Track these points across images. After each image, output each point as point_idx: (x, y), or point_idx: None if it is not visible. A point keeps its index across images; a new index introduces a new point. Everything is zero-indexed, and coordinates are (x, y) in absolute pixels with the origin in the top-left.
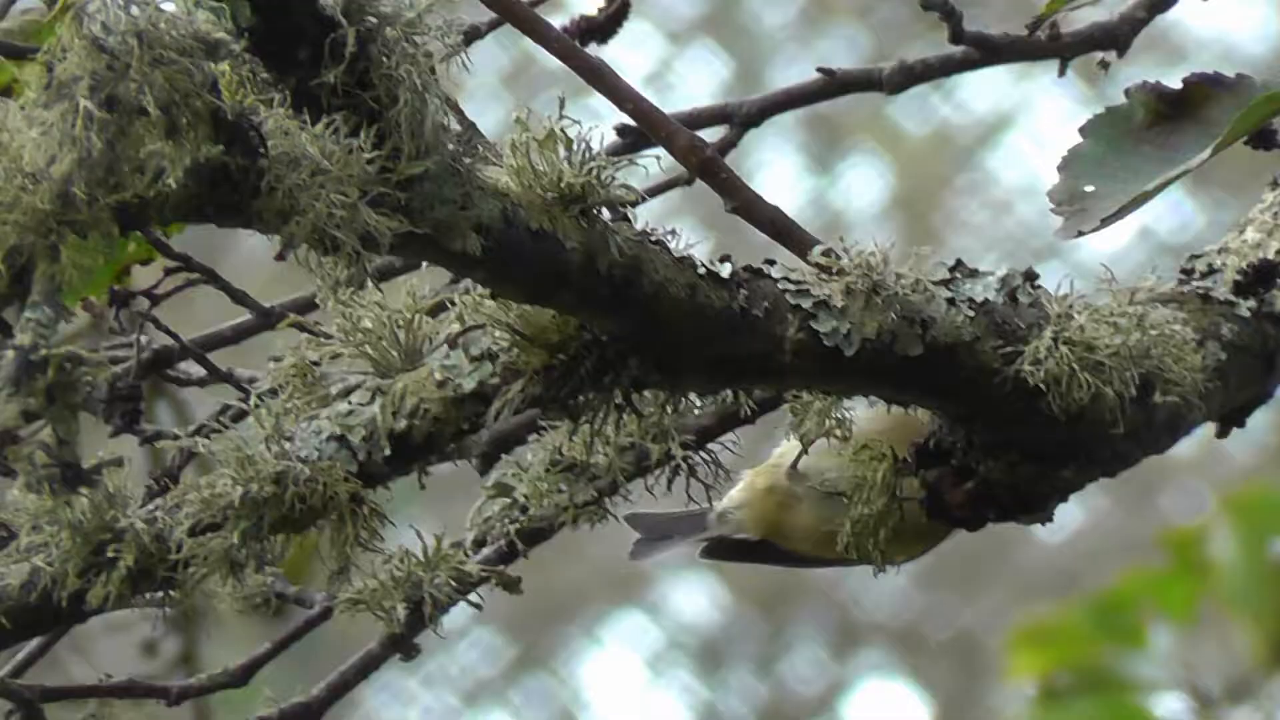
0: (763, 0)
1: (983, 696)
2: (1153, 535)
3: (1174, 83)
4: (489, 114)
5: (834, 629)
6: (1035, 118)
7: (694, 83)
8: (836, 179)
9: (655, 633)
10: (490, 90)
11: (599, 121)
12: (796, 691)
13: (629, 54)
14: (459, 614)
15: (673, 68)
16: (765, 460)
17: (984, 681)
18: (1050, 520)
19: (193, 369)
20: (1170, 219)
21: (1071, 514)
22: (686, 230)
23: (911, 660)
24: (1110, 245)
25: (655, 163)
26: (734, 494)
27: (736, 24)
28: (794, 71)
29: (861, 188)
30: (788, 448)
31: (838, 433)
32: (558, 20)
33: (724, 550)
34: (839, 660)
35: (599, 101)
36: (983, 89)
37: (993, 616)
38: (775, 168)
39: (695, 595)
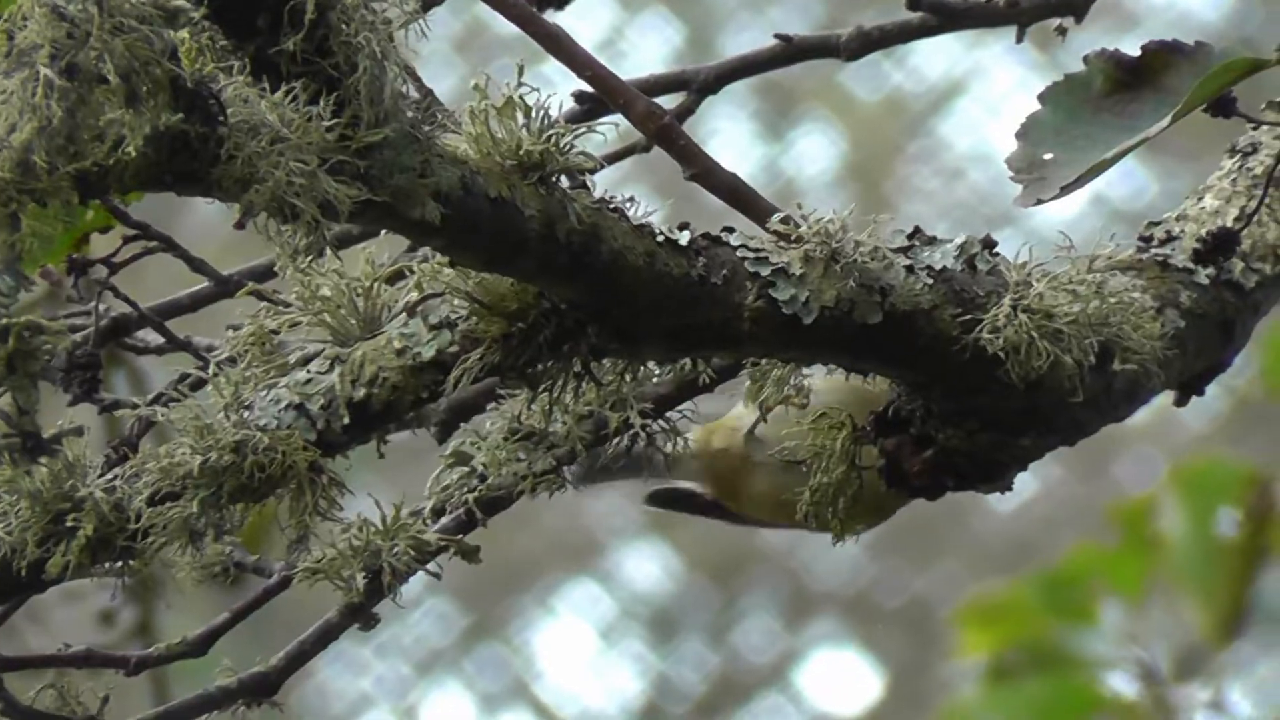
0: None
1: (934, 665)
2: (1105, 504)
3: (1131, 50)
4: (442, 80)
5: (786, 598)
6: (987, 84)
7: (646, 50)
8: (789, 146)
9: (608, 602)
10: (443, 57)
11: (553, 89)
12: (749, 660)
13: (580, 22)
14: (413, 583)
15: (625, 35)
16: (719, 418)
17: (936, 650)
18: (1009, 489)
19: (150, 337)
20: (1123, 186)
21: (1025, 482)
22: (639, 198)
23: (864, 629)
24: (1064, 212)
25: (612, 129)
26: (689, 444)
27: None
28: (746, 38)
29: (814, 154)
30: (743, 410)
31: (796, 400)
32: None
33: (671, 500)
34: (791, 630)
35: (552, 69)
36: (935, 55)
37: (945, 585)
38: (727, 135)
39: (648, 565)
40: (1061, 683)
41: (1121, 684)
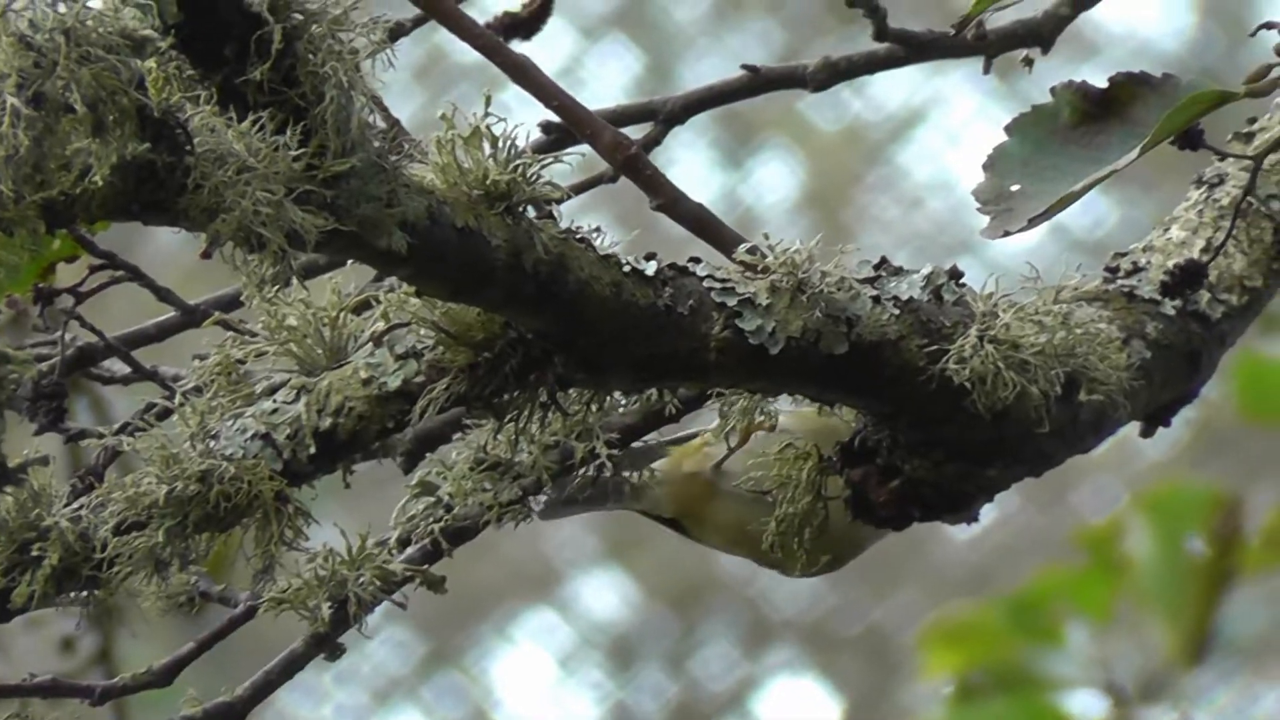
0: None
1: (893, 693)
2: (1064, 532)
3: (1092, 79)
4: (401, 108)
5: (745, 626)
6: (947, 113)
7: (606, 77)
8: (748, 174)
9: (566, 631)
10: (402, 84)
11: (512, 117)
12: (708, 688)
13: (540, 50)
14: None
15: (584, 63)
16: (692, 440)
17: (894, 678)
18: (975, 520)
19: (117, 367)
20: (1083, 215)
21: (983, 511)
22: (601, 227)
23: (822, 657)
24: (1023, 241)
25: (577, 159)
26: (656, 468)
27: (648, 19)
28: (706, 65)
29: (773, 183)
30: (714, 436)
31: (765, 424)
32: (477, 17)
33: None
34: (750, 658)
35: (511, 96)
36: (894, 84)
37: (903, 613)
38: (687, 163)
39: (606, 593)
40: (1027, 704)
41: (1088, 706)
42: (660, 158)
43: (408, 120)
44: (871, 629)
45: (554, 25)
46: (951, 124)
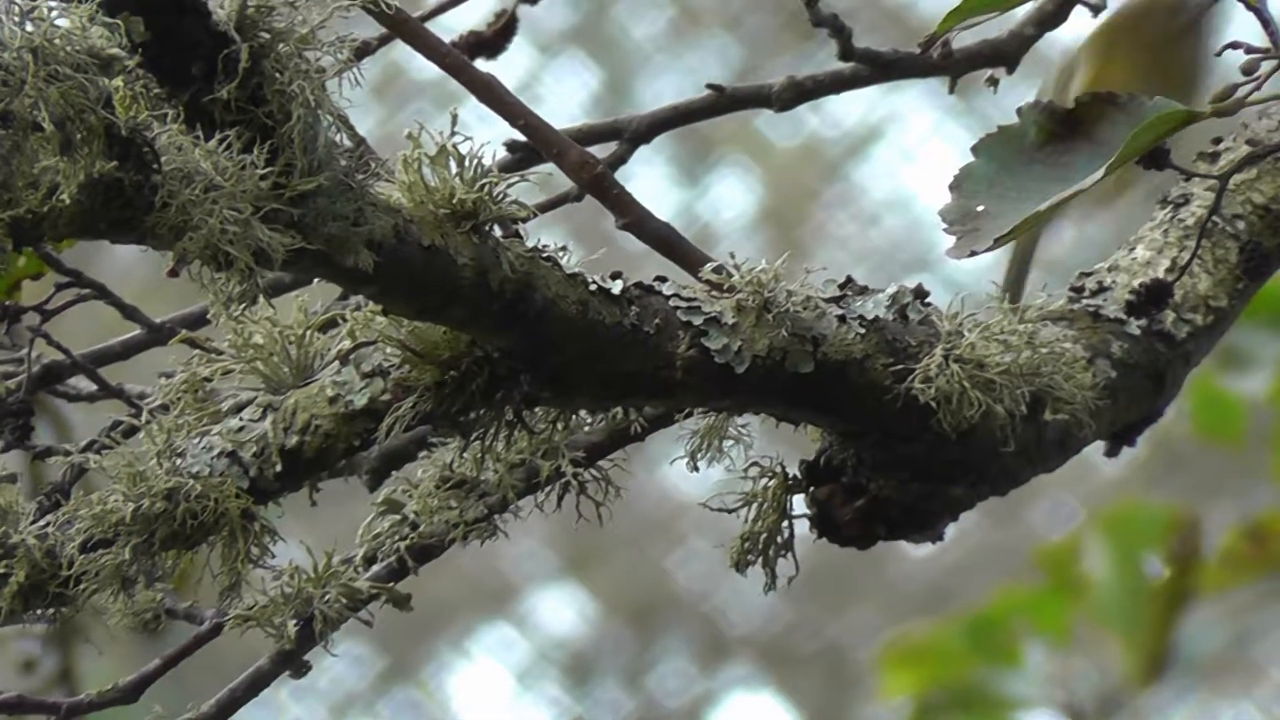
0: (631, 11)
1: (851, 711)
2: (1021, 549)
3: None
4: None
5: (702, 642)
6: (904, 130)
7: (564, 94)
8: (705, 191)
9: (523, 646)
10: (358, 101)
11: (473, 135)
12: (665, 704)
13: (498, 67)
14: None
15: (542, 79)
16: None
17: (851, 695)
18: (940, 539)
19: (82, 384)
20: (1040, 232)
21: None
22: (559, 244)
23: (779, 673)
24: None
25: (542, 176)
26: None
27: (605, 35)
28: (664, 82)
29: (730, 200)
30: None
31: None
32: (442, 35)
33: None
34: (707, 674)
35: (470, 112)
36: (851, 101)
37: (860, 630)
38: (644, 179)
39: (563, 609)
40: None
41: None
42: (618, 174)
43: (367, 135)
44: (829, 646)
45: (511, 41)
46: (908, 141)
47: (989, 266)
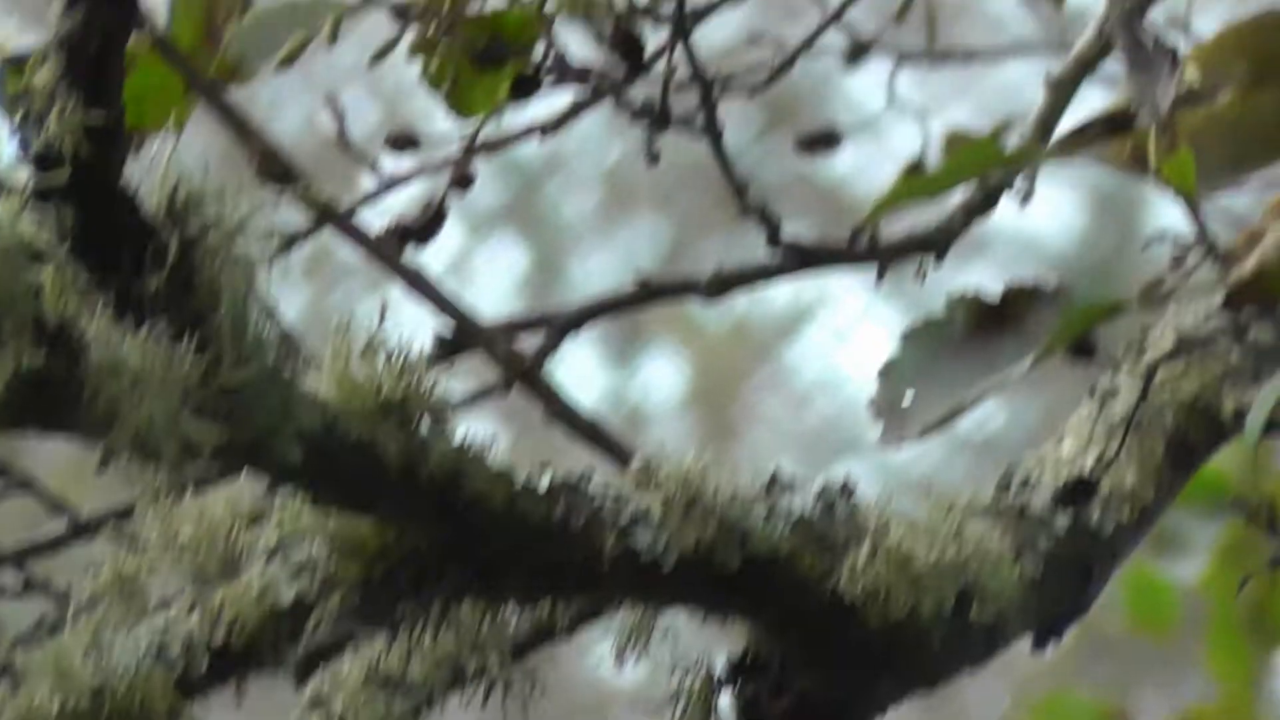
0: (562, 190)
1: None
2: None
3: (983, 277)
4: (289, 306)
5: None
6: (835, 311)
7: (494, 273)
8: (635, 372)
9: None
10: (290, 281)
11: (400, 313)
12: None
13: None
14: None
15: (472, 259)
16: None
17: None
18: None
19: (7, 580)
20: (969, 416)
21: None
22: (486, 426)
23: None
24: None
25: (465, 367)
26: None
27: (536, 214)
28: (595, 261)
29: (660, 381)
30: None
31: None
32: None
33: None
34: None
35: (400, 293)
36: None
37: None
38: (573, 360)
39: None
40: None
41: None
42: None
43: (298, 316)
44: None
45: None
46: (839, 322)
47: (920, 450)
